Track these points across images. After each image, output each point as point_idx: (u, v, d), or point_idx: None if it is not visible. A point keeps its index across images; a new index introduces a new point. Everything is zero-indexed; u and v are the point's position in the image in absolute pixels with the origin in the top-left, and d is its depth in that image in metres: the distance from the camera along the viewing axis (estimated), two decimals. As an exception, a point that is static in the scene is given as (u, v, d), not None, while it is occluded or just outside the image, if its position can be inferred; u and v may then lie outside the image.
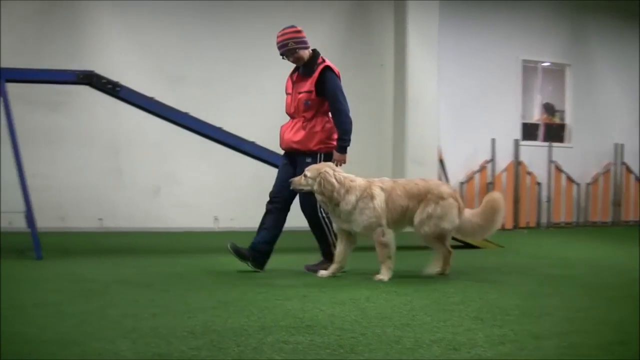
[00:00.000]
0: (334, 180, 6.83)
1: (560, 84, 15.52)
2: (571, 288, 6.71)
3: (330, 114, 7.40)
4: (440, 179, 13.30)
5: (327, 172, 6.86)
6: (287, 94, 7.58)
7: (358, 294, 6.07)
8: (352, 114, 12.95)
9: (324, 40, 13.01)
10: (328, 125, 7.35)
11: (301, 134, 7.29)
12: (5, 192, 10.34)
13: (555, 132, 15.33)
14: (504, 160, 14.09)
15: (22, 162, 8.17)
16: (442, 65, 13.40)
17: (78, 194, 11.59)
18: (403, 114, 13.06)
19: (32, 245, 8.10)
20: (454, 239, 10.16)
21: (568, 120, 15.46)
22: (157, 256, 8.55)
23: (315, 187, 6.84)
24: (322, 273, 7.13)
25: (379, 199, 6.92)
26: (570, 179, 14.96)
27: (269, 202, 7.45)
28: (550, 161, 14.64)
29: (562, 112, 15.55)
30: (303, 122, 7.33)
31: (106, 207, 11.73)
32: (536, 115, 15.37)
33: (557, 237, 12.61)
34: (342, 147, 7.32)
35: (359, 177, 7.07)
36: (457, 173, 13.85)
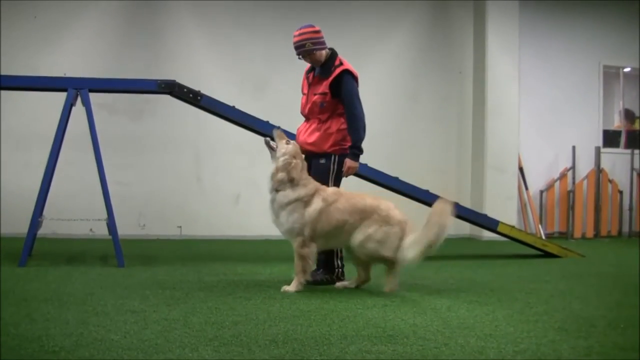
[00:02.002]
0: (298, 170, 6.69)
1: (643, 89, 15.21)
2: (658, 299, 6.54)
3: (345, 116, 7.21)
4: (520, 186, 13.16)
5: (299, 160, 6.76)
6: (303, 94, 7.44)
7: (439, 304, 6.02)
8: (432, 121, 13.01)
9: (402, 47, 13.02)
10: (343, 127, 7.16)
11: (316, 136, 7.13)
12: (87, 199, 10.51)
13: (638, 139, 15.01)
14: (584, 167, 13.84)
15: (104, 170, 8.28)
16: (521, 70, 13.22)
17: (158, 201, 11.71)
18: (483, 121, 12.92)
19: (114, 252, 8.21)
20: (533, 247, 10.08)
21: (651, 127, 15.15)
22: (238, 264, 8.57)
23: (282, 159, 6.70)
24: (338, 284, 6.96)
25: (313, 208, 6.59)
26: (653, 187, 14.67)
27: None
28: (633, 169, 14.34)
29: (644, 118, 15.25)
30: (318, 124, 7.17)
31: (186, 215, 11.82)
32: (617, 122, 15.07)
33: (640, 247, 12.38)
34: (355, 154, 7.10)
35: (313, 181, 6.78)
36: (537, 181, 13.66)
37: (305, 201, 6.61)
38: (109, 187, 8.31)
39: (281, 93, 12.02)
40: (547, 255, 9.99)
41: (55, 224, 10.01)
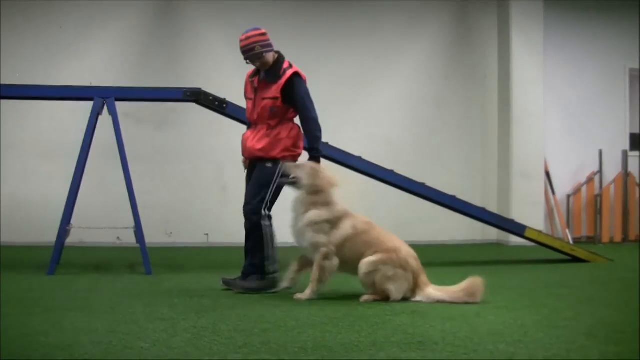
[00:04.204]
0: (326, 181, 6.62)
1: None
2: (689, 304, 6.48)
3: (295, 120, 7.11)
4: (546, 191, 13.09)
5: (321, 172, 6.68)
6: (248, 99, 7.17)
7: (467, 310, 5.99)
8: (457, 126, 12.97)
9: (426, 52, 12.99)
10: (293, 133, 7.00)
11: (265, 142, 6.91)
12: (114, 207, 10.56)
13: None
14: (611, 171, 13.73)
15: (131, 178, 8.32)
16: (546, 74, 13.16)
17: (184, 209, 11.75)
18: (508, 126, 12.87)
19: (141, 260, 8.24)
20: (561, 252, 10.02)
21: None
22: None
23: (306, 176, 6.58)
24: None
25: (340, 234, 6.50)
26: (681, 191, 14.54)
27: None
28: (661, 173, 14.25)
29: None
30: (267, 130, 6.95)
31: (212, 223, 11.84)
32: (643, 125, 14.97)
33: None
34: (316, 157, 6.88)
35: (342, 204, 6.68)
36: (563, 185, 13.57)
37: (334, 223, 6.53)
38: (136, 195, 8.34)
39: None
40: (575, 260, 9.93)
41: (83, 232, 10.06)
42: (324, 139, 8.74)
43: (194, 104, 8.66)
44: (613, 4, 13.89)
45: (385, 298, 6.40)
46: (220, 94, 8.58)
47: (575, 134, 13.70)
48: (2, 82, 8.90)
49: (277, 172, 6.89)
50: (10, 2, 11.46)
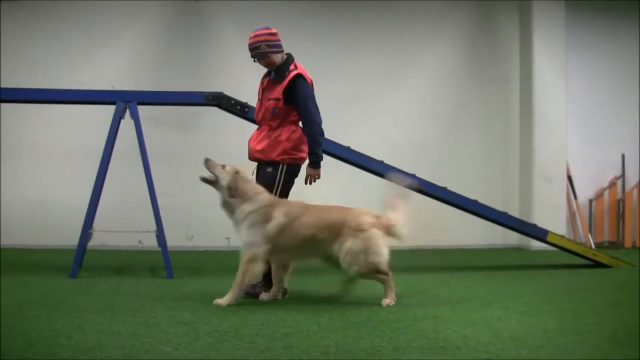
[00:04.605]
0: (244, 181, 6.53)
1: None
2: None
3: (299, 124, 6.99)
4: (568, 195, 13.03)
5: (244, 174, 6.61)
6: (258, 99, 7.17)
7: (489, 315, 5.97)
8: (478, 130, 12.93)
9: (447, 56, 12.97)
10: (295, 135, 6.88)
11: (264, 143, 6.86)
12: (135, 211, 10.58)
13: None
14: (634, 176, 13.64)
15: (153, 182, 8.35)
16: (568, 77, 13.09)
17: (206, 213, 11.71)
18: (530, 130, 12.82)
19: (162, 264, 8.25)
20: (583, 256, 9.97)
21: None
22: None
23: (225, 180, 6.49)
24: (263, 297, 6.70)
25: (274, 224, 6.35)
26: None
27: None
28: (684, 177, 14.15)
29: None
30: (268, 131, 6.89)
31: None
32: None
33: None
34: (315, 162, 6.88)
35: (267, 193, 6.59)
36: (585, 189, 13.48)
37: (263, 214, 6.40)
38: (157, 199, 8.36)
39: (328, 103, 11.99)
40: (597, 265, 9.87)
41: (105, 235, 10.08)
42: (346, 143, 8.79)
43: (215, 108, 8.67)
44: (635, 5, 13.79)
45: (384, 276, 6.47)
46: (242, 97, 8.59)
47: (598, 138, 13.61)
48: (25, 87, 8.93)
49: (278, 176, 6.85)
50: (33, 6, 11.52)
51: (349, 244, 6.34)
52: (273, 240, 6.36)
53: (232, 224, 6.62)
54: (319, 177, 7.01)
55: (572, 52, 13.21)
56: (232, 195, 6.46)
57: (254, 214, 6.39)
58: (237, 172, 6.57)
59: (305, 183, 7.02)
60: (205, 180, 6.66)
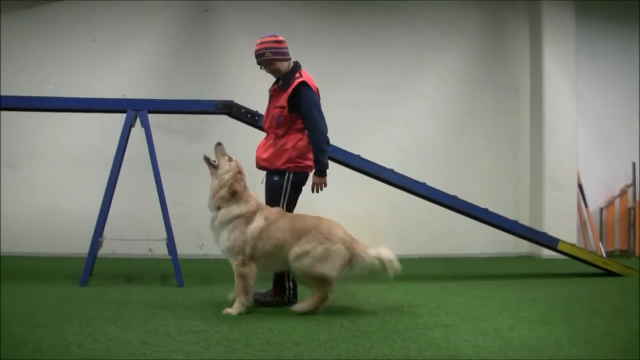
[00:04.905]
0: (242, 185, 6.55)
1: None
2: None
3: (305, 132, 6.93)
4: (579, 203, 13.00)
5: (243, 176, 6.64)
6: (267, 107, 7.21)
7: (500, 324, 5.96)
8: (488, 138, 12.91)
9: (456, 63, 12.96)
10: (301, 144, 6.86)
11: (270, 151, 6.88)
12: (145, 219, 10.60)
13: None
14: (645, 184, 13.64)
15: (163, 190, 8.35)
16: (579, 84, 13.06)
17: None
18: (540, 138, 12.79)
19: (173, 272, 8.25)
20: (594, 265, 9.93)
21: None
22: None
23: (226, 175, 6.56)
24: (296, 308, 6.45)
25: (255, 226, 6.37)
26: None
27: None
28: (695, 185, 14.09)
29: None
30: (274, 139, 6.91)
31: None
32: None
33: None
34: (321, 170, 6.84)
35: (255, 199, 6.62)
36: (596, 198, 13.45)
37: (247, 218, 6.42)
38: (168, 207, 8.37)
39: (338, 112, 12.02)
40: (608, 273, 9.83)
41: (115, 243, 10.10)
42: (356, 151, 8.78)
43: (225, 116, 8.68)
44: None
45: (323, 296, 6.32)
46: (252, 105, 8.60)
47: (609, 146, 13.58)
48: (36, 95, 8.95)
49: (285, 184, 6.84)
50: (43, 15, 11.55)
51: (308, 246, 6.32)
52: (253, 243, 6.36)
53: (210, 218, 6.65)
54: (325, 186, 6.97)
55: (582, 59, 13.19)
56: (222, 194, 6.54)
57: (240, 219, 6.43)
58: (239, 172, 6.63)
59: (312, 191, 6.98)
60: (207, 160, 6.74)
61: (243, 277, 6.33)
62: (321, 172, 6.87)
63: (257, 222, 6.40)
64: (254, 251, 6.37)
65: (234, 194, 6.48)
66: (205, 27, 12.09)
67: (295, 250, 6.32)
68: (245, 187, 6.62)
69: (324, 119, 6.86)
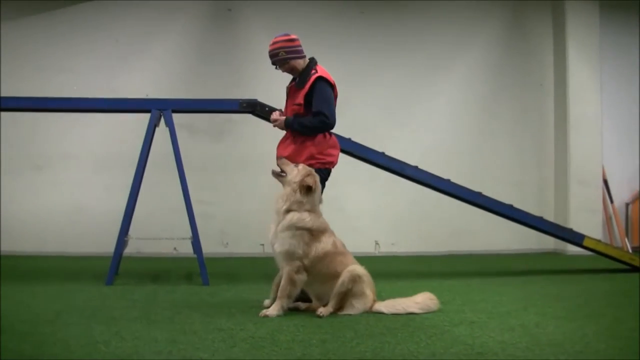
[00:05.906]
0: (312, 180, 6.33)
1: None
2: None
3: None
4: (604, 199, 12.93)
5: (314, 175, 6.42)
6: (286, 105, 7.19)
7: (527, 320, 5.93)
8: (513, 134, 12.88)
9: (482, 60, 12.92)
10: (320, 139, 6.83)
11: (291, 149, 6.82)
12: (170, 218, 10.65)
13: None
14: (671, 179, 13.55)
15: (188, 189, 8.37)
16: (603, 79, 12.99)
17: (240, 220, 11.78)
18: (565, 134, 12.75)
19: (198, 270, 8.28)
20: (620, 261, 9.87)
21: None
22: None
23: (298, 178, 6.31)
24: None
25: (322, 247, 6.23)
26: None
27: None
28: None
29: None
30: (294, 137, 6.88)
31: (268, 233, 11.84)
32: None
33: None
34: (290, 123, 6.86)
35: (324, 219, 6.42)
36: (621, 193, 13.38)
37: (315, 235, 6.26)
38: (193, 206, 8.38)
39: (362, 110, 12.02)
40: (634, 269, 9.78)
41: (141, 243, 10.16)
42: (380, 149, 8.78)
43: (249, 115, 8.69)
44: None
45: (337, 309, 6.23)
46: (275, 104, 8.60)
47: (633, 141, 13.51)
48: (62, 96, 9.00)
49: None
50: (67, 18, 11.63)
51: (358, 285, 6.22)
52: (313, 262, 6.24)
53: (273, 220, 6.44)
54: (275, 126, 7.12)
55: (606, 54, 13.12)
56: (298, 199, 6.31)
57: (308, 231, 6.25)
58: (309, 173, 6.41)
59: (272, 122, 7.16)
60: (276, 173, 6.53)
61: (293, 282, 6.18)
62: (289, 125, 6.90)
63: (325, 244, 6.27)
64: (310, 267, 6.25)
65: (308, 190, 6.33)
66: (228, 26, 12.13)
67: (348, 276, 6.20)
68: (317, 187, 6.43)
69: (333, 113, 6.80)
